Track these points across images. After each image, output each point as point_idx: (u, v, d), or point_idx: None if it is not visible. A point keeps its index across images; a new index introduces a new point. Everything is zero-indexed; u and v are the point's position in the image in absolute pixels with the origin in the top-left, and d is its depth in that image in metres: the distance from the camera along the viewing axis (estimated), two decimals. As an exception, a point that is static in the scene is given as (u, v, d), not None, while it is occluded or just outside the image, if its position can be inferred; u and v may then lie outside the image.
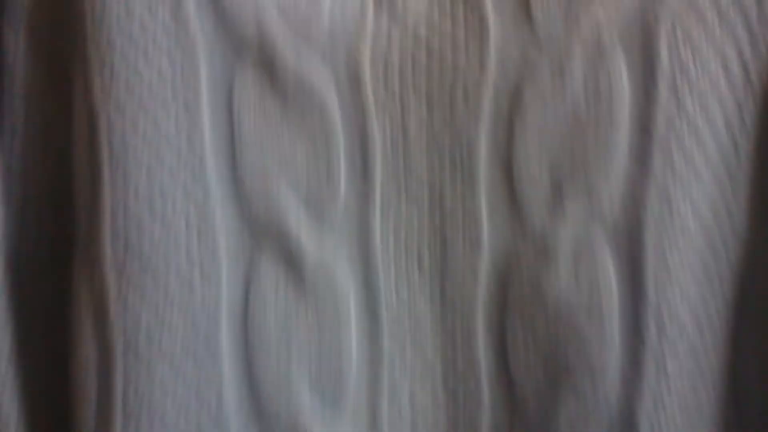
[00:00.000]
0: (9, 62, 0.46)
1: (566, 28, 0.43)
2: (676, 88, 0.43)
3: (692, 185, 0.43)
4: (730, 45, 0.43)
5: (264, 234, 0.45)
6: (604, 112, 0.43)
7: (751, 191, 0.44)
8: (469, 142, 0.44)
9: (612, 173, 0.43)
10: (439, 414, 0.45)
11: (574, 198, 0.44)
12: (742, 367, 0.45)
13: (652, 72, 0.43)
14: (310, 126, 0.44)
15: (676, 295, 0.44)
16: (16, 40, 0.45)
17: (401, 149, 0.45)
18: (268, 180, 0.45)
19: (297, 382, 0.45)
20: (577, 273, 0.44)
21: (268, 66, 0.44)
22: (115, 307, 0.44)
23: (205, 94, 0.44)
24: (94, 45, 0.44)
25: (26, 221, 0.46)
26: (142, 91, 0.44)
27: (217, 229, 0.44)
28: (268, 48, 0.44)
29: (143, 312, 0.44)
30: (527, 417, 0.45)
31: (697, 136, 0.43)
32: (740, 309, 0.45)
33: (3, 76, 0.46)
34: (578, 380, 0.44)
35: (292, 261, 0.45)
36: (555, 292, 0.44)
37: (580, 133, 0.43)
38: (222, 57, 0.44)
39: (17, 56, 0.46)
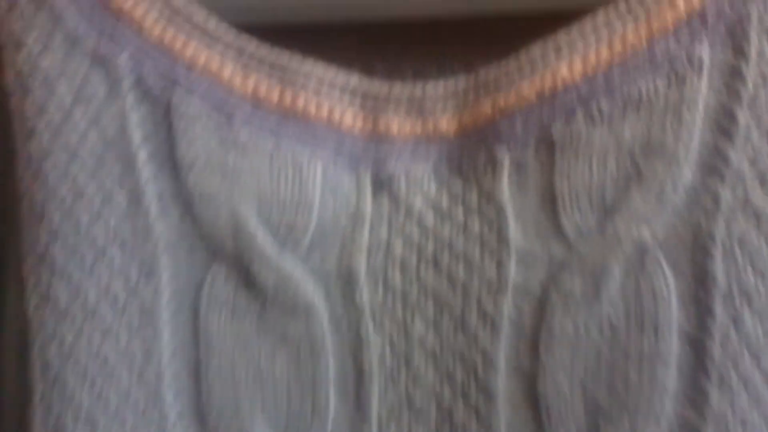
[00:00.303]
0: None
1: (600, 226, 0.37)
2: (733, 301, 0.36)
3: (753, 411, 0.36)
4: None
5: None
6: (647, 327, 0.36)
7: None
8: (486, 353, 0.37)
9: (659, 400, 0.36)
10: None
11: (614, 428, 0.37)
12: None
13: (703, 282, 0.36)
14: (293, 334, 0.38)
15: None
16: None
17: (403, 355, 0.38)
18: (240, 408, 0.38)
19: None
20: None
21: (245, 264, 0.38)
22: None
23: (166, 294, 0.38)
24: (32, 234, 0.37)
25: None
26: (88, 291, 0.37)
27: None
28: (245, 245, 0.38)
29: None
30: None
31: (756, 357, 0.36)
32: None
33: None
34: None
35: None
36: None
37: (619, 350, 0.36)
38: (188, 254, 0.38)
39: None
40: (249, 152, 0.38)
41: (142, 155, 0.38)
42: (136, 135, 0.38)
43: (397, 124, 0.39)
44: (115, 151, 0.38)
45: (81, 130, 0.38)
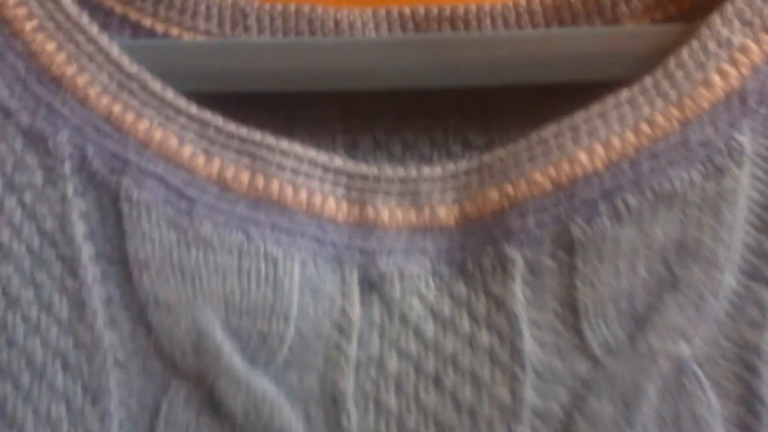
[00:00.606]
0: None
1: (630, 340, 0.32)
2: None
3: None
4: None
5: None
6: None
7: None
8: None
9: None
10: None
11: None
12: None
13: (750, 405, 0.32)
14: None
15: None
16: None
17: None
18: None
19: None
20: None
21: (209, 383, 0.32)
22: None
23: (116, 421, 0.33)
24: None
25: None
26: (25, 418, 0.32)
27: None
28: (209, 360, 0.32)
29: None
30: None
31: None
32: None
33: None
34: None
35: None
36: None
37: None
38: (142, 371, 0.33)
39: None
40: (213, 247, 0.33)
41: (87, 253, 0.33)
42: (80, 228, 0.33)
43: (388, 213, 0.34)
44: (55, 249, 0.33)
45: (14, 224, 0.33)
